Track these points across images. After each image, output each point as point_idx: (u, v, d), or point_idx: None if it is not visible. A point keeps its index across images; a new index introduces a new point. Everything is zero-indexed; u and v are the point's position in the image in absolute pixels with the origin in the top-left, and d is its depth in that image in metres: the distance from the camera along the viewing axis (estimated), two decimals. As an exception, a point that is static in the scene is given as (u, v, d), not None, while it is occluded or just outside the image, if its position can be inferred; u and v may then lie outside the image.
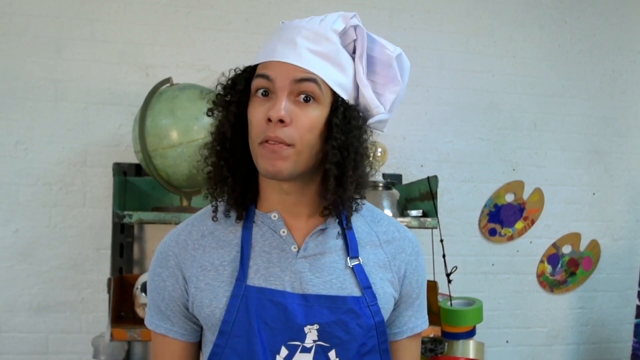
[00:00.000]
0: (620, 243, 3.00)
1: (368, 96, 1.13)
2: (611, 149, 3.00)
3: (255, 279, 1.12)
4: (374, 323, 1.14)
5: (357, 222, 1.21)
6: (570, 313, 2.96)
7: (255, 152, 1.09)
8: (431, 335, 2.23)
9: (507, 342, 2.86)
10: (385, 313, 1.18)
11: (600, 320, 2.98)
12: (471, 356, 2.21)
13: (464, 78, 2.83)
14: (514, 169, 2.88)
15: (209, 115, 1.17)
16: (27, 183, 2.40)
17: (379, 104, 1.14)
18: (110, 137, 2.46)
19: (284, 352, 1.10)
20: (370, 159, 1.17)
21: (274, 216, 1.15)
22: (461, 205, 2.82)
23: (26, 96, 2.41)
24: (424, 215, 2.28)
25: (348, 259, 1.16)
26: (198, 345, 1.22)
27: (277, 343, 1.09)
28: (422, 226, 2.21)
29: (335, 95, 1.10)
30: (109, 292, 2.13)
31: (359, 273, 1.15)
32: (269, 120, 1.04)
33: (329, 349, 1.11)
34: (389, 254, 1.21)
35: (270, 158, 1.05)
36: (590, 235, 2.97)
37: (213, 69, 2.55)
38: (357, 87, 1.14)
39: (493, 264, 2.86)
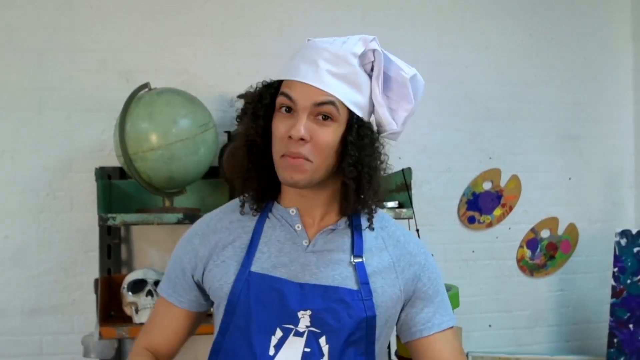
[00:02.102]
0: (597, 226, 3.08)
1: (382, 114, 1.25)
2: (585, 134, 3.08)
3: (264, 264, 1.26)
4: (365, 316, 1.22)
5: (363, 224, 1.31)
6: (551, 296, 3.04)
7: (277, 162, 1.22)
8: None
9: (489, 326, 2.94)
10: (382, 311, 1.25)
11: (580, 302, 3.06)
12: (450, 340, 2.28)
13: (438, 71, 2.89)
14: (490, 158, 2.96)
15: (237, 122, 1.32)
16: (15, 190, 2.47)
17: (392, 121, 1.26)
18: (94, 142, 2.53)
19: (278, 333, 1.21)
20: (385, 169, 1.28)
21: (292, 211, 1.29)
22: (440, 195, 2.89)
23: (10, 106, 2.47)
24: (400, 206, 2.36)
25: (352, 256, 1.27)
26: (194, 316, 1.37)
27: (272, 324, 1.21)
28: (397, 217, 2.28)
29: (351, 113, 1.21)
30: (96, 292, 2.20)
31: (359, 270, 1.25)
32: (290, 137, 1.17)
33: (320, 335, 1.21)
34: (394, 257, 1.30)
35: (289, 170, 1.19)
36: (568, 219, 3.05)
37: (191, 73, 2.61)
38: (372, 104, 1.26)
39: (473, 251, 2.93)
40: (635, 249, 2.61)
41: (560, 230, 3.04)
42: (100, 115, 2.53)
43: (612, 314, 2.61)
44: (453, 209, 2.92)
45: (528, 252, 3.00)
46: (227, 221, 1.33)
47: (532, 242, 3.01)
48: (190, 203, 2.45)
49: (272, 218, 1.31)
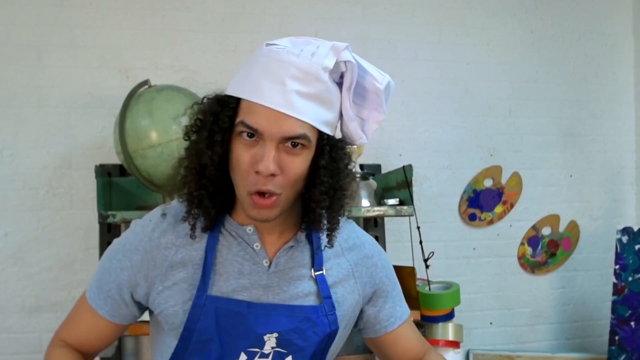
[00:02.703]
0: (598, 223, 3.07)
1: (353, 128, 1.15)
2: (586, 132, 3.07)
3: (223, 288, 1.15)
4: (329, 332, 1.20)
5: (324, 244, 1.25)
6: (552, 293, 3.03)
7: (242, 197, 1.10)
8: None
9: (490, 323, 2.94)
10: (344, 321, 1.25)
11: (581, 299, 3.05)
12: (450, 338, 2.28)
13: (439, 68, 2.89)
14: (491, 155, 2.95)
15: (185, 140, 1.15)
16: (14, 188, 2.46)
17: (362, 135, 1.17)
18: (93, 139, 2.52)
19: (243, 357, 1.15)
20: (352, 179, 1.20)
21: (249, 230, 1.18)
22: (441, 192, 2.89)
23: (9, 103, 2.46)
24: (401, 203, 2.35)
25: (312, 270, 1.21)
26: (123, 327, 1.26)
27: (236, 349, 1.14)
28: (398, 214, 2.28)
29: (321, 133, 1.10)
30: (96, 290, 2.19)
31: (320, 283, 1.21)
32: (256, 171, 1.05)
33: (286, 355, 1.17)
34: (352, 262, 1.27)
35: (259, 209, 1.08)
36: (569, 217, 3.04)
37: (191, 70, 2.60)
38: (340, 115, 1.15)
39: (474, 248, 2.93)
40: (637, 246, 2.60)
41: (562, 227, 3.03)
42: (100, 112, 2.52)
43: (613, 311, 2.60)
44: (454, 206, 2.91)
45: (529, 250, 2.99)
46: (173, 236, 1.18)
47: (533, 239, 3.00)
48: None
49: (225, 234, 1.19)
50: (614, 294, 2.62)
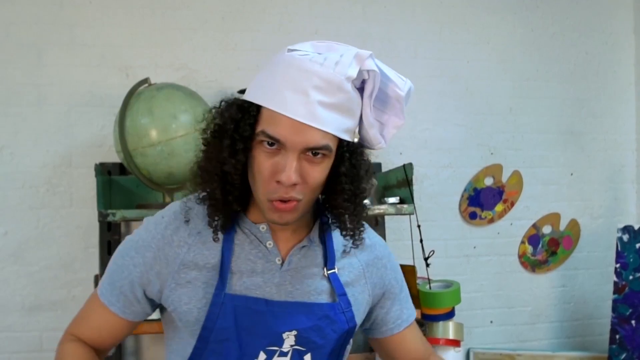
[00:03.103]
0: (599, 221, 3.07)
1: (373, 135, 1.14)
2: (586, 130, 3.07)
3: (237, 286, 1.15)
4: (347, 328, 1.21)
5: (336, 233, 1.25)
6: (553, 292, 3.03)
7: (262, 202, 1.09)
8: (412, 318, 2.29)
9: (491, 322, 2.94)
10: (359, 319, 1.26)
11: (581, 298, 3.05)
12: (451, 337, 2.27)
13: (439, 66, 2.88)
14: (491, 153, 2.94)
15: (204, 145, 1.13)
16: (14, 186, 2.46)
17: (381, 140, 1.15)
18: (93, 138, 2.52)
19: (262, 356, 1.15)
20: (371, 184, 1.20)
21: (263, 228, 1.18)
22: (441, 190, 2.88)
23: (9, 102, 2.46)
24: (401, 201, 2.35)
25: (325, 268, 1.21)
26: (131, 325, 1.25)
27: (255, 348, 1.14)
28: (398, 213, 2.27)
29: (341, 140, 1.09)
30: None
31: (334, 281, 1.21)
32: (278, 181, 1.04)
33: (305, 353, 1.17)
34: (363, 262, 1.28)
35: (280, 213, 1.08)
36: (570, 215, 3.04)
37: (191, 68, 2.60)
38: (360, 120, 1.13)
39: (475, 247, 2.92)
40: (638, 245, 2.60)
41: (562, 226, 3.03)
42: (100, 110, 2.52)
43: (614, 310, 2.60)
44: (454, 204, 2.91)
45: (529, 248, 2.99)
46: (185, 234, 1.17)
47: (533, 238, 3.00)
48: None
49: (239, 233, 1.18)
50: (614, 293, 2.61)
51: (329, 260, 1.22)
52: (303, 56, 1.06)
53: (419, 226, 2.33)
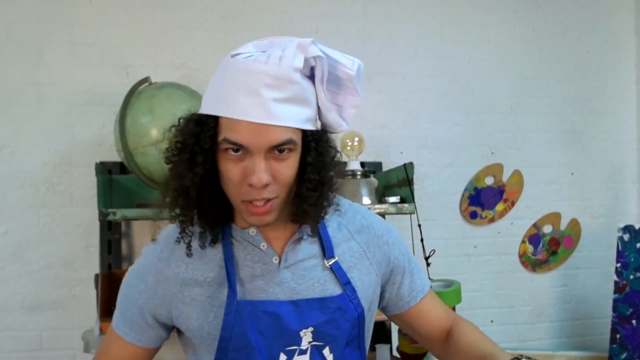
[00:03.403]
0: (599, 221, 3.07)
1: (332, 118, 1.14)
2: (587, 129, 3.06)
3: (241, 293, 1.15)
4: (357, 315, 1.20)
5: (329, 220, 1.25)
6: (553, 291, 3.02)
7: (238, 206, 1.10)
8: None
9: (491, 321, 2.93)
10: (367, 302, 1.25)
11: (582, 297, 3.05)
12: (451, 336, 2.27)
13: (440, 65, 2.88)
14: (492, 152, 2.94)
15: (167, 163, 1.12)
16: (15, 185, 2.45)
17: (342, 123, 1.16)
18: (93, 137, 2.52)
19: (282, 357, 1.15)
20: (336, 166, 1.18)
21: (252, 232, 1.18)
22: (442, 189, 2.88)
23: (9, 101, 2.46)
24: (402, 201, 2.34)
25: (324, 260, 1.21)
26: (154, 350, 1.28)
27: (275, 350, 1.14)
28: (399, 212, 2.27)
29: (304, 131, 1.10)
30: (96, 287, 2.19)
31: (337, 271, 1.21)
32: (250, 184, 1.05)
33: (323, 347, 1.17)
34: (363, 244, 1.26)
35: (257, 215, 1.09)
36: (570, 215, 3.03)
37: (191, 67, 2.60)
38: (318, 106, 1.14)
39: (475, 246, 2.92)
40: (638, 245, 2.60)
41: (563, 225, 3.02)
42: (100, 109, 2.51)
43: (614, 309, 2.60)
44: (455, 204, 2.90)
45: (530, 248, 2.99)
46: (181, 252, 1.18)
47: (534, 237, 2.99)
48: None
49: (234, 242, 1.19)
50: (615, 292, 2.61)
51: (326, 249, 1.21)
52: (247, 58, 1.06)
53: (419, 225, 2.33)
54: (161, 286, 1.18)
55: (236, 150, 1.05)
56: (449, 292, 2.28)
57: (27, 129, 2.47)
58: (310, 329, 1.16)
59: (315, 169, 1.11)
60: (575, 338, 3.03)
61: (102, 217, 2.11)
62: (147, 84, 2.25)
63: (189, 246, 1.16)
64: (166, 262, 1.19)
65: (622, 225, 2.65)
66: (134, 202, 2.36)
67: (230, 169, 1.06)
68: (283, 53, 1.06)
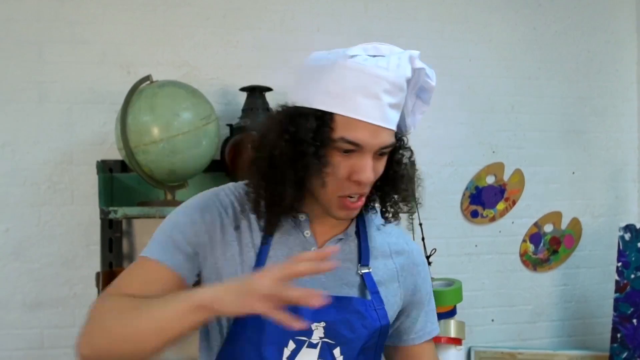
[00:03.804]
0: (600, 220, 3.07)
1: (409, 122, 1.25)
2: (588, 129, 3.06)
3: None
4: (379, 326, 1.22)
5: (373, 231, 1.30)
6: (554, 290, 3.02)
7: (330, 200, 1.15)
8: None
9: (492, 320, 2.93)
10: (391, 319, 1.27)
11: (583, 297, 3.05)
12: (452, 335, 2.28)
13: (441, 64, 2.87)
14: (493, 152, 2.94)
15: (273, 152, 1.14)
16: (15, 184, 2.45)
17: (412, 126, 1.27)
18: (94, 135, 2.52)
19: (291, 345, 1.17)
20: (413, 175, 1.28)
21: (302, 217, 1.23)
22: (443, 188, 2.88)
23: (10, 99, 2.46)
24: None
25: (359, 266, 1.25)
26: (180, 283, 1.21)
27: (285, 336, 1.16)
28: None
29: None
30: (97, 286, 2.19)
31: (367, 280, 1.24)
32: (358, 181, 1.11)
33: (334, 346, 1.19)
34: (398, 265, 1.31)
35: (349, 209, 1.16)
36: (571, 214, 3.03)
37: (193, 65, 2.59)
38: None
39: (476, 245, 2.92)
40: (639, 244, 2.59)
41: (564, 224, 3.02)
42: (102, 108, 2.51)
43: (615, 308, 2.60)
44: (456, 203, 2.90)
45: (531, 247, 2.99)
46: (238, 209, 1.22)
47: (535, 236, 2.99)
48: (191, 196, 2.43)
49: (280, 221, 1.23)
50: (616, 292, 2.61)
51: (363, 256, 1.26)
52: (367, 62, 1.11)
53: (420, 224, 2.34)
54: (215, 226, 1.20)
55: (347, 150, 1.11)
56: (450, 291, 2.28)
57: (28, 127, 2.47)
58: (322, 323, 1.18)
59: (403, 166, 1.23)
60: (576, 337, 3.03)
61: (103, 215, 2.11)
62: (148, 82, 2.26)
63: (269, 226, 1.20)
64: (225, 210, 1.21)
65: (623, 224, 2.65)
66: (135, 200, 2.36)
67: (338, 165, 1.12)
68: (399, 62, 1.13)
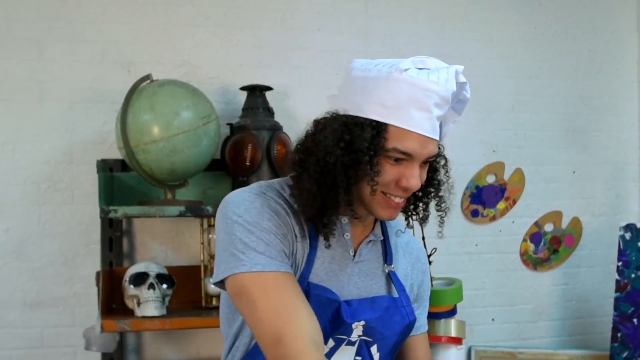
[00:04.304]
0: (601, 219, 3.06)
1: (444, 132, 1.28)
2: (589, 128, 3.06)
3: (319, 270, 1.24)
4: (408, 321, 1.31)
5: (389, 233, 1.38)
6: (554, 289, 3.02)
7: (375, 198, 1.18)
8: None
9: (492, 320, 2.93)
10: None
11: (583, 296, 3.04)
12: (453, 334, 2.27)
13: (442, 63, 2.87)
14: (494, 151, 2.94)
15: (328, 159, 1.16)
16: (16, 183, 2.45)
17: (446, 136, 1.30)
18: (95, 134, 2.51)
19: (330, 343, 1.23)
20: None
21: (344, 220, 1.27)
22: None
23: (11, 97, 2.45)
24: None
25: (385, 265, 1.33)
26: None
27: (326, 335, 1.20)
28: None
29: None
30: (97, 285, 2.19)
31: (394, 278, 1.33)
32: (405, 187, 1.16)
33: (372, 344, 1.26)
34: (409, 264, 1.41)
35: (391, 210, 1.21)
36: (572, 213, 3.03)
37: (193, 64, 2.59)
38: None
39: (476, 245, 2.92)
40: (640, 243, 2.60)
41: (564, 223, 3.02)
42: (102, 107, 2.51)
43: (616, 308, 2.60)
44: (456, 202, 2.89)
45: (531, 246, 2.99)
46: (289, 210, 1.23)
47: (535, 235, 2.99)
48: (192, 195, 2.44)
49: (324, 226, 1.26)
50: (616, 291, 2.61)
51: (388, 256, 1.34)
52: (420, 76, 1.15)
53: (421, 223, 2.33)
54: (289, 228, 1.21)
55: (398, 159, 1.16)
56: (450, 291, 2.28)
57: (28, 126, 2.47)
58: (362, 322, 1.24)
59: (442, 174, 1.29)
60: (576, 336, 3.03)
61: (104, 214, 2.11)
62: (148, 81, 2.26)
63: (326, 237, 1.23)
64: (287, 213, 1.22)
65: (623, 223, 2.65)
66: (135, 199, 2.36)
67: (388, 172, 1.16)
68: (447, 77, 1.17)
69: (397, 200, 1.19)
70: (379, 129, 1.14)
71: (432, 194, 1.30)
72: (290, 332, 1.07)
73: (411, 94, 1.14)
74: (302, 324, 1.09)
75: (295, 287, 1.15)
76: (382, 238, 1.34)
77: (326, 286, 1.23)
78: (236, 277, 1.13)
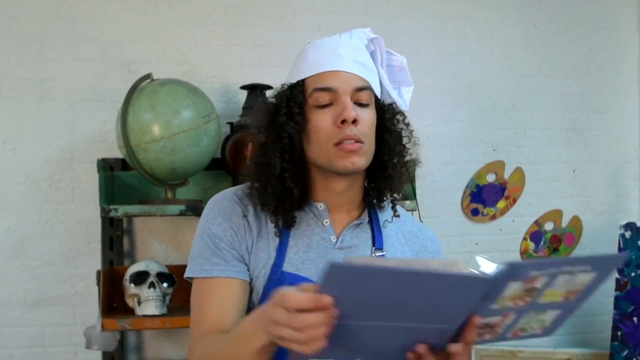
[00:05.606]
0: (601, 218, 3.07)
1: (394, 97, 1.29)
2: (589, 126, 3.06)
3: (294, 260, 1.22)
4: None
5: (387, 219, 1.34)
6: (554, 288, 3.02)
7: (328, 154, 1.18)
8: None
9: (493, 318, 2.93)
10: None
11: (583, 294, 3.04)
12: (453, 333, 2.27)
13: (442, 62, 2.87)
14: (494, 150, 2.94)
15: (256, 132, 1.25)
16: (16, 181, 2.45)
17: (402, 102, 1.32)
18: (95, 133, 2.52)
19: None
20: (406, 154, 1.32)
21: (320, 206, 1.26)
22: (443, 186, 2.88)
23: (11, 96, 2.46)
24: (404, 198, 2.34)
25: (373, 249, 1.29)
26: (244, 287, 1.23)
27: None
28: (401, 209, 2.27)
29: (376, 99, 1.25)
30: (98, 284, 2.20)
31: None
32: (342, 122, 1.16)
33: None
34: (414, 252, 1.37)
35: (348, 156, 1.18)
36: (572, 212, 3.03)
37: (194, 63, 2.59)
38: (382, 87, 1.29)
39: (477, 243, 2.92)
40: (640, 242, 2.60)
41: (564, 222, 3.02)
42: (102, 106, 2.51)
43: (616, 306, 2.60)
44: (457, 201, 2.90)
45: (532, 245, 2.99)
46: (257, 209, 1.26)
47: (535, 234, 2.99)
48: (192, 194, 2.44)
49: (302, 211, 1.27)
50: (616, 290, 2.61)
51: (376, 240, 1.29)
52: (322, 40, 1.24)
53: (421, 222, 2.33)
54: (241, 227, 1.24)
55: (324, 106, 1.18)
56: (451, 289, 2.28)
57: (29, 124, 2.47)
58: None
59: (391, 137, 1.25)
60: (576, 335, 3.03)
61: (104, 213, 2.12)
62: (149, 80, 2.26)
63: (277, 224, 1.23)
64: (244, 209, 1.25)
65: (623, 222, 2.65)
66: (136, 198, 2.36)
67: (321, 119, 1.18)
68: (350, 33, 1.25)
69: (349, 143, 1.16)
70: (295, 86, 1.21)
71: (395, 148, 1.27)
72: (194, 328, 1.21)
73: (316, 50, 1.22)
74: (202, 316, 1.19)
75: (219, 286, 1.20)
76: (368, 224, 1.30)
77: (303, 275, 1.21)
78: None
